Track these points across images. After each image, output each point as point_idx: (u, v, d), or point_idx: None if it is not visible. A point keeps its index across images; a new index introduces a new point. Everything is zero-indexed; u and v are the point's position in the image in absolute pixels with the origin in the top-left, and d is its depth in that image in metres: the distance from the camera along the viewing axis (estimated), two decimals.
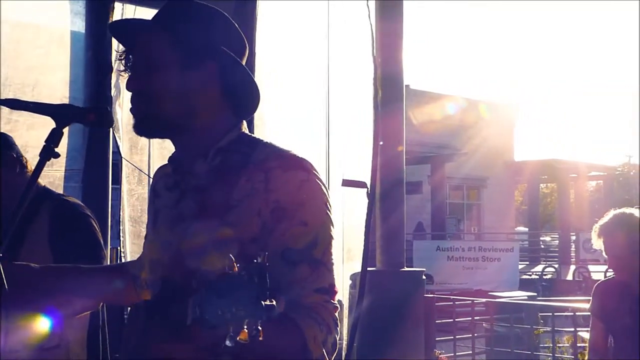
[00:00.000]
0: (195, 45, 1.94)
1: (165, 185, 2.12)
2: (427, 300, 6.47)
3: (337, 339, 1.90)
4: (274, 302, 1.45)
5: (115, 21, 2.16)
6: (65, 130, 5.61)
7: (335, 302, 1.91)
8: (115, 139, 5.92)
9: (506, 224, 33.44)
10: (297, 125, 6.21)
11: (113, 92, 5.78)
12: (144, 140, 6.05)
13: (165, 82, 1.94)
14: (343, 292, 6.02)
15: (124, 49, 2.07)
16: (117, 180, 6.19)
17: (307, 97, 6.31)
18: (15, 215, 1.82)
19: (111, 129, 5.82)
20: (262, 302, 1.44)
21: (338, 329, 1.90)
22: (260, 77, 5.91)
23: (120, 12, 5.96)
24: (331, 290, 1.90)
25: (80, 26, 5.94)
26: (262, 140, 2.03)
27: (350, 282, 5.88)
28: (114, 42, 5.99)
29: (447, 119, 29.97)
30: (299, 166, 1.92)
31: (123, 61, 2.04)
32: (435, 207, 28.05)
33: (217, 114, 2.01)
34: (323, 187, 1.95)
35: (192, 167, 2.00)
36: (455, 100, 31.10)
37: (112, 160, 6.13)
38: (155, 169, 2.27)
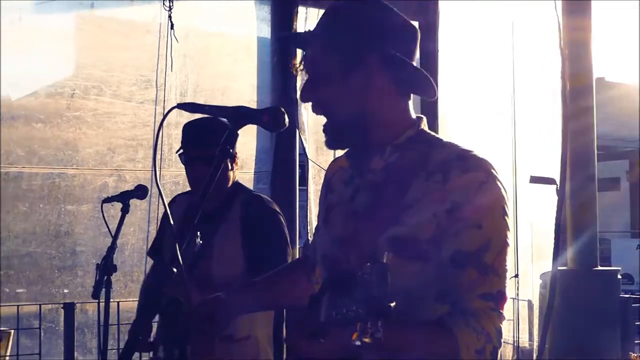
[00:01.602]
0: (347, 47, 1.91)
1: (340, 179, 2.11)
2: (623, 300, 6.17)
3: (499, 349, 1.81)
4: (392, 304, 1.44)
5: (283, 35, 2.19)
6: (254, 134, 5.77)
7: (503, 311, 1.83)
8: (301, 141, 6.03)
9: None
10: (482, 123, 6.12)
11: (298, 95, 5.87)
12: None
13: (329, 91, 1.94)
14: (533, 292, 5.88)
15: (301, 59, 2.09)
16: (304, 181, 6.30)
17: (492, 93, 6.20)
18: (196, 211, 1.87)
19: (297, 131, 5.94)
20: (379, 303, 1.43)
21: (500, 338, 1.82)
22: (444, 75, 5.86)
23: (304, 16, 6.05)
24: (498, 298, 1.81)
25: (266, 32, 6.10)
26: (441, 140, 1.97)
27: (540, 281, 5.70)
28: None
29: None
30: (480, 167, 1.85)
31: (303, 71, 2.07)
32: (635, 204, 26.83)
33: (393, 110, 1.96)
34: (502, 191, 1.86)
35: (369, 163, 1.98)
36: None
37: (299, 162, 6.25)
38: None
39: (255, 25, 6.09)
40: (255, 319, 3.18)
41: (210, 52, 5.92)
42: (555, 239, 5.31)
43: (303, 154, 6.12)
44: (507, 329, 5.71)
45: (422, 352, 1.76)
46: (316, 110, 1.98)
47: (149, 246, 3.87)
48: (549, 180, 5.31)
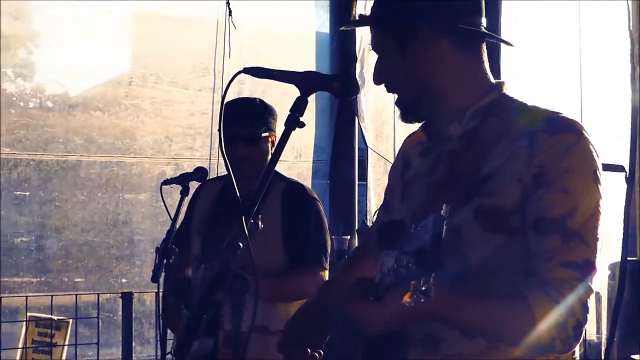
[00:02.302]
0: (397, 22, 1.85)
1: (417, 153, 2.00)
2: None
3: (584, 324, 1.65)
4: (440, 258, 1.36)
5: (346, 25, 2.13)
6: (312, 121, 5.68)
7: (590, 282, 1.66)
8: (361, 130, 5.96)
9: None
10: (546, 106, 5.98)
11: (358, 81, 5.80)
12: (388, 129, 6.05)
13: (391, 68, 1.87)
14: (601, 283, 5.71)
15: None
16: (363, 176, 6.22)
17: (559, 78, 6.06)
18: (260, 188, 1.79)
19: (356, 119, 5.86)
20: (430, 256, 1.35)
21: (586, 313, 1.66)
22: (507, 60, 5.72)
23: (363, 3, 5.97)
24: (585, 268, 1.65)
25: (324, 19, 6.05)
26: (526, 104, 1.84)
27: (608, 272, 5.52)
28: (358, 33, 6.05)
29: None
30: (569, 129, 1.72)
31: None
32: None
33: (462, 74, 1.85)
34: (594, 153, 1.71)
35: (446, 131, 1.87)
36: None
37: (358, 157, 6.18)
38: None
39: (314, 13, 6.05)
40: (290, 314, 3.11)
41: (268, 39, 5.89)
42: (624, 228, 5.12)
43: (362, 148, 6.05)
44: None
45: (489, 324, 1.65)
46: (387, 88, 1.92)
47: None
48: (617, 168, 5.12)
